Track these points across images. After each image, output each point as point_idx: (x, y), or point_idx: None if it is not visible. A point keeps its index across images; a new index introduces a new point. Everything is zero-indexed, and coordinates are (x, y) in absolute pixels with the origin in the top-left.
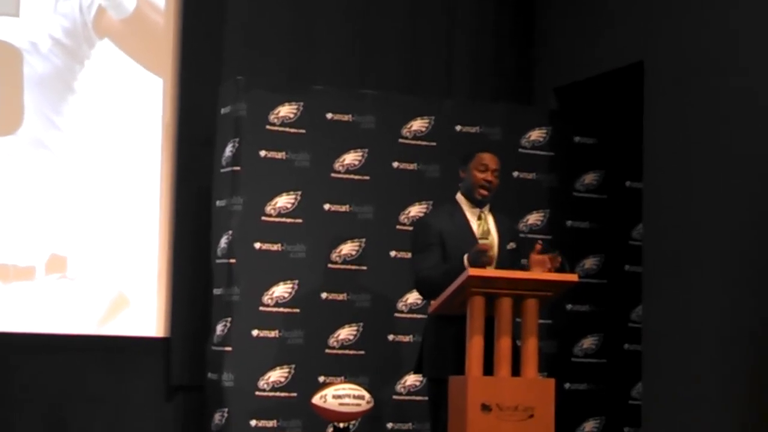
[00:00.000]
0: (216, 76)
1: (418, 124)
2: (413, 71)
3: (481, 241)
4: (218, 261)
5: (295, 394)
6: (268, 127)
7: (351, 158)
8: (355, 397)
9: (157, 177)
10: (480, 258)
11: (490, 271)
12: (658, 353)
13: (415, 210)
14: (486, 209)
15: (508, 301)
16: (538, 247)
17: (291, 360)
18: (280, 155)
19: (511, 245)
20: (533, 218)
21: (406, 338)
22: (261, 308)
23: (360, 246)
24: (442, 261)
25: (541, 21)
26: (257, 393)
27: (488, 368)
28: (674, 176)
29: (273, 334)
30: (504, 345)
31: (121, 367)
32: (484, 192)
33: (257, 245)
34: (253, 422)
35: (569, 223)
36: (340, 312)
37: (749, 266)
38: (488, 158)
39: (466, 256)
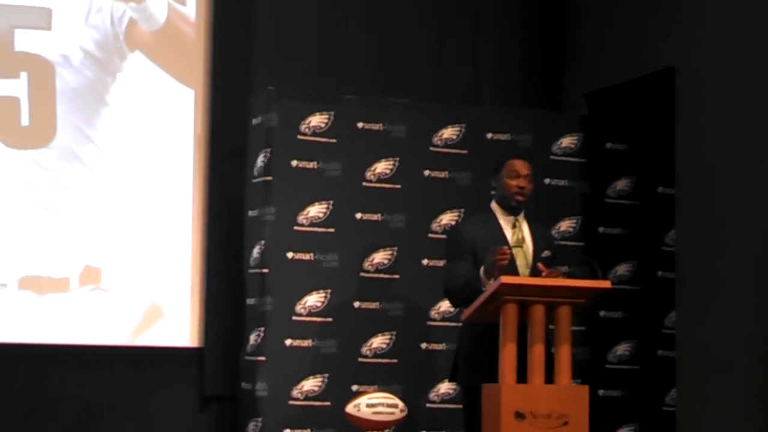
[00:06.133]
0: (247, 86)
1: (448, 132)
2: (443, 79)
3: (491, 251)
4: (251, 271)
5: (328, 403)
6: (299, 136)
7: (382, 167)
8: (388, 405)
9: (190, 188)
10: (491, 269)
11: (523, 279)
12: (691, 359)
13: (447, 218)
14: (521, 217)
15: (541, 309)
16: (541, 266)
17: (324, 369)
18: (311, 165)
19: (546, 253)
20: (565, 225)
21: (439, 346)
22: (294, 318)
23: (392, 255)
24: (474, 269)
25: (571, 27)
26: (291, 402)
27: (522, 376)
28: (706, 181)
29: (306, 343)
30: (537, 352)
31: (155, 377)
32: (520, 198)
33: (290, 255)
34: (286, 431)
35: (601, 229)
36: (373, 321)
37: None
38: (519, 164)
39: (482, 268)
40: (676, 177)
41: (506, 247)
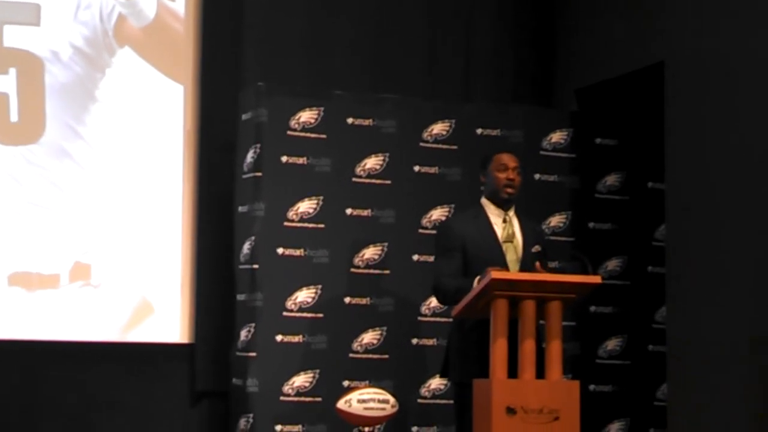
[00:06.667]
0: (236, 82)
1: (438, 128)
2: (433, 75)
3: (492, 270)
4: (241, 267)
5: (319, 399)
6: (289, 132)
7: (372, 162)
8: (379, 401)
9: (179, 183)
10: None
11: (514, 274)
12: (682, 354)
13: (437, 213)
14: (511, 212)
15: (531, 304)
16: (538, 265)
17: (315, 365)
18: (301, 160)
19: (536, 248)
20: (555, 220)
21: (430, 342)
22: (284, 313)
23: (382, 250)
24: (463, 266)
25: (561, 22)
26: (282, 398)
27: (513, 371)
28: (696, 176)
29: (297, 339)
30: (528, 347)
31: (145, 373)
32: (510, 190)
33: (280, 251)
34: (278, 427)
35: (592, 224)
36: (363, 316)
37: None
38: (506, 157)
39: (477, 279)
40: (666, 172)
41: (504, 269)
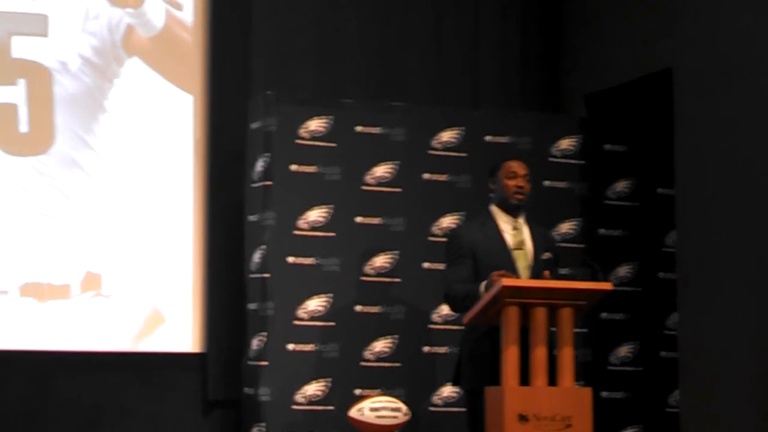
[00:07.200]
0: (245, 91)
1: (448, 135)
2: (441, 82)
3: (496, 273)
4: (252, 276)
5: (331, 408)
6: (298, 141)
7: (382, 170)
8: (392, 409)
9: (190, 193)
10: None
11: (525, 281)
12: (694, 360)
13: (447, 221)
14: (521, 219)
15: (542, 311)
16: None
17: (327, 373)
18: (311, 169)
19: (547, 255)
20: (565, 227)
21: (442, 349)
22: (296, 322)
23: (393, 258)
24: (473, 273)
25: (570, 29)
26: (294, 407)
27: (525, 378)
28: (706, 182)
29: (308, 347)
30: (540, 355)
31: (157, 383)
32: (520, 197)
33: (290, 259)
34: None
35: (602, 231)
36: (375, 324)
37: None
38: (516, 165)
39: (483, 284)
40: (676, 178)
41: (510, 273)
